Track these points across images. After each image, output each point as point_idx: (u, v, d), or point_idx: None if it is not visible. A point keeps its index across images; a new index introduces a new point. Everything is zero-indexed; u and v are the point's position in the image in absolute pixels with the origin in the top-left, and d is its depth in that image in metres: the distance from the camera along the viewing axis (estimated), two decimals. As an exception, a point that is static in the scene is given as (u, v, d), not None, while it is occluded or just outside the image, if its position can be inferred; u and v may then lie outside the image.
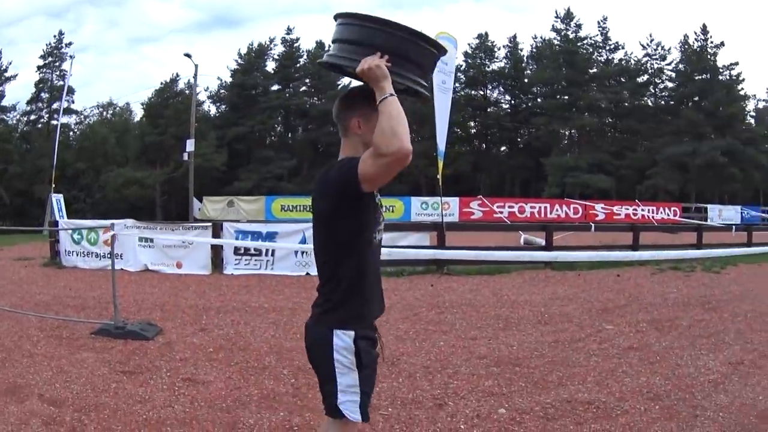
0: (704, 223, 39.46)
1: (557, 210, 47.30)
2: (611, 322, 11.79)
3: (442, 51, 3.74)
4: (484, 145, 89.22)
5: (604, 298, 14.62)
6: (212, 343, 9.66)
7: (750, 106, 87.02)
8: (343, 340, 3.58)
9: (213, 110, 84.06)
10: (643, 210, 46.52)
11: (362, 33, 3.51)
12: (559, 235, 26.39)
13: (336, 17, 3.71)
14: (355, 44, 3.52)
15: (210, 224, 19.95)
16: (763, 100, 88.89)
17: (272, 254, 18.30)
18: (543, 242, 22.29)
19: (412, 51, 3.54)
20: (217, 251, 18.57)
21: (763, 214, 53.56)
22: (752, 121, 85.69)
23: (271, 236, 18.76)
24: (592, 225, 27.81)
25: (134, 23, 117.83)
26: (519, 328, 11.14)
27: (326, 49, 4.38)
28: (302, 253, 17.73)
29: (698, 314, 12.56)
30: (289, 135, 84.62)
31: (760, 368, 8.46)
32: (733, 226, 31.43)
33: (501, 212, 44.89)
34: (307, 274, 17.25)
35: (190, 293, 14.67)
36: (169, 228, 19.82)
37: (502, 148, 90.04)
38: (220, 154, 70.45)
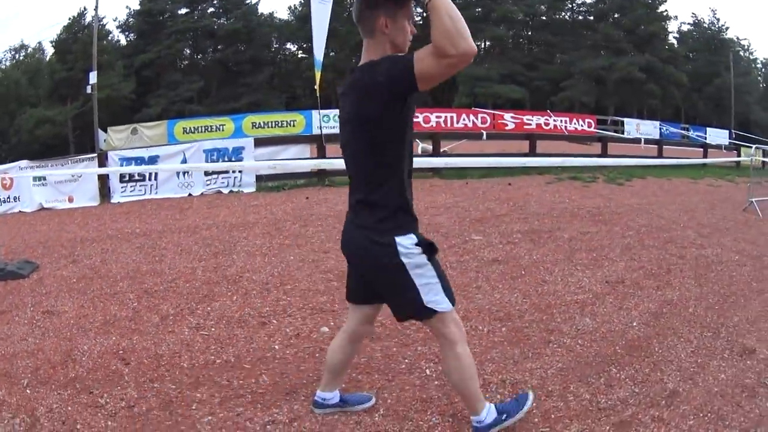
0: (608, 133, 38.84)
1: (464, 119, 45.30)
2: (482, 232, 11.14)
3: None
4: None
5: (484, 207, 13.86)
6: (78, 273, 9.33)
7: (673, 27, 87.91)
8: (406, 244, 3.55)
9: (123, 40, 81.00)
10: (555, 120, 45.08)
11: None
12: (452, 144, 26.16)
13: None
14: None
15: (95, 155, 19.10)
16: (687, 23, 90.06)
17: (155, 178, 17.94)
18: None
19: None
20: (104, 181, 18.16)
21: (683, 131, 52.89)
22: (675, 42, 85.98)
23: (153, 160, 18.35)
24: (484, 133, 26.33)
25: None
26: None
27: None
28: (184, 173, 17.78)
29: (585, 226, 11.98)
30: (199, 57, 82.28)
31: (642, 289, 7.95)
32: (642, 138, 30.75)
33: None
34: (189, 195, 17.35)
35: (74, 226, 14.15)
36: (58, 163, 18.87)
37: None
38: (129, 83, 68.90)
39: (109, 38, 76.87)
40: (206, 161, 17.73)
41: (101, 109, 45.77)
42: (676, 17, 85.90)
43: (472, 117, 45.27)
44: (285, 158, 18.33)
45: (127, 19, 78.99)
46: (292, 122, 41.22)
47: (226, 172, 17.53)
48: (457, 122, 44.56)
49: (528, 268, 8.71)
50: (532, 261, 9.17)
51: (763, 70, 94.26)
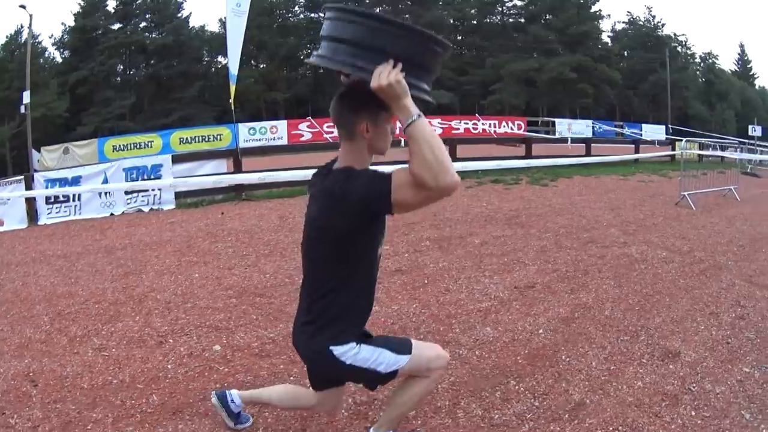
0: (533, 134, 38.81)
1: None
2: (389, 242, 10.61)
3: (448, 49, 3.20)
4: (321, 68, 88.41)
5: (397, 215, 13.15)
6: (1, 297, 9.11)
7: (607, 26, 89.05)
8: (343, 351, 3.46)
9: (58, 57, 79.78)
10: (484, 124, 45.06)
11: (366, 33, 2.96)
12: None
13: (327, 9, 3.21)
14: (358, 47, 2.98)
15: (22, 177, 18.55)
16: (623, 21, 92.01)
17: (79, 198, 17.47)
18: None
19: (424, 55, 3.07)
20: (30, 203, 17.47)
21: (617, 129, 53.18)
22: (608, 40, 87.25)
23: (75, 180, 17.80)
24: (402, 140, 25.86)
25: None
26: (285, 253, 10.49)
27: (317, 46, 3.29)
28: (105, 194, 17.33)
29: (499, 230, 11.89)
30: (131, 72, 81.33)
31: (554, 293, 7.80)
32: (569, 138, 30.65)
33: (331, 132, 41.57)
34: (111, 214, 17.00)
35: (3, 250, 13.66)
36: None
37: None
38: (63, 101, 67.67)
39: (46, 55, 76.30)
40: (126, 179, 17.56)
41: (37, 129, 45.53)
42: (608, 16, 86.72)
43: (398, 124, 44.80)
44: (202, 174, 18.13)
45: (62, 36, 78.25)
46: (218, 136, 40.66)
47: (146, 190, 17.35)
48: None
49: (432, 277, 8.51)
50: (438, 269, 8.97)
51: (702, 64, 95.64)
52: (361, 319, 3.57)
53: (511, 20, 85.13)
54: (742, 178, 21.78)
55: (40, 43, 73.17)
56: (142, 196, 17.27)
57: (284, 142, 41.50)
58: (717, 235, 12.10)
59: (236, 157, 18.63)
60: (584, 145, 27.95)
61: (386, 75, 2.84)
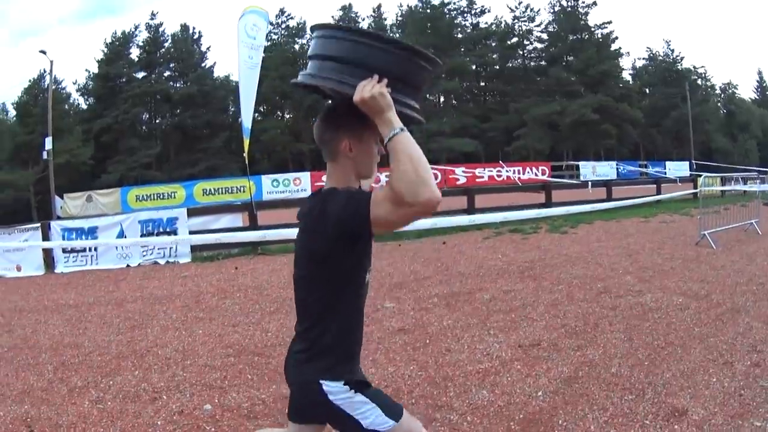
0: (555, 179, 38.55)
1: None
2: (397, 299, 10.74)
3: (437, 66, 3.10)
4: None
5: (408, 270, 13.62)
6: (9, 343, 9.47)
7: (627, 63, 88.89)
8: (332, 388, 3.24)
9: (83, 103, 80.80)
10: (508, 171, 45.15)
11: (351, 49, 2.92)
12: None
13: (314, 28, 3.15)
14: (343, 62, 2.94)
15: (39, 224, 18.90)
16: (642, 58, 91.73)
17: (95, 249, 17.79)
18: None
19: (410, 70, 2.99)
20: (47, 251, 18.05)
21: (641, 169, 52.84)
22: (629, 78, 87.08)
23: (92, 231, 18.24)
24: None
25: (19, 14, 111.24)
26: (290, 311, 9.84)
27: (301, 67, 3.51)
28: (121, 246, 17.63)
29: (510, 284, 11.61)
30: (157, 122, 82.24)
31: (559, 350, 7.51)
32: (589, 182, 30.33)
33: None
34: (128, 266, 17.21)
35: (18, 296, 14.13)
36: (6, 232, 18.85)
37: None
38: (87, 148, 68.20)
39: (70, 101, 77.07)
40: (141, 232, 17.77)
41: (61, 175, 46.08)
42: (628, 53, 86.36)
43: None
44: (218, 227, 18.30)
45: (86, 83, 78.95)
46: (242, 188, 40.99)
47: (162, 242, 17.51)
48: None
49: (435, 336, 8.30)
50: (442, 328, 8.73)
51: (722, 95, 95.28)
52: (351, 352, 3.42)
53: (532, 63, 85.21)
54: (764, 209, 21.53)
55: (63, 88, 74.45)
56: (159, 249, 17.41)
57: (308, 193, 40.60)
58: (737, 275, 11.69)
59: (251, 211, 18.52)
60: (605, 188, 27.69)
61: (369, 88, 2.78)
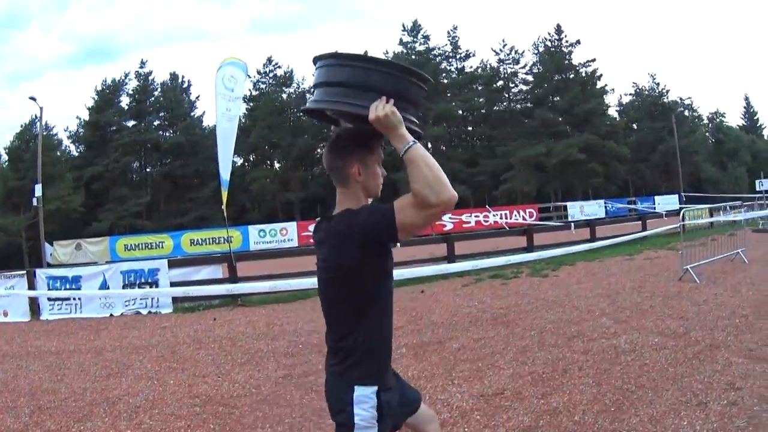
0: (538, 223, 38.81)
1: None
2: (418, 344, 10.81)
3: (429, 83, 3.53)
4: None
5: (437, 315, 13.60)
6: None
7: (613, 99, 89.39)
8: (364, 396, 3.39)
9: (74, 150, 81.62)
10: (495, 215, 45.48)
11: (356, 74, 3.24)
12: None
13: (317, 59, 3.43)
14: (351, 87, 3.23)
15: (24, 272, 19.28)
16: (629, 93, 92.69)
17: (79, 298, 18.04)
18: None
19: (409, 89, 3.34)
20: (33, 298, 18.37)
21: (630, 206, 52.91)
22: (616, 114, 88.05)
23: (76, 280, 18.45)
24: (398, 244, 25.68)
25: (15, 58, 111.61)
26: (261, 362, 10.46)
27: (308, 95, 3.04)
28: (105, 296, 17.90)
29: (481, 332, 11.47)
30: (147, 170, 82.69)
31: (522, 399, 7.33)
32: (572, 224, 30.25)
33: None
34: (111, 315, 17.39)
35: (2, 341, 14.63)
36: None
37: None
38: (78, 196, 68.42)
39: (62, 148, 77.75)
40: (123, 282, 17.97)
41: (52, 222, 46.65)
42: (613, 90, 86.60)
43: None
44: (199, 279, 18.40)
45: (77, 130, 79.56)
46: (229, 238, 40.28)
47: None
48: None
49: None
50: (406, 378, 8.27)
51: (710, 125, 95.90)
52: (383, 358, 3.58)
53: (518, 106, 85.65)
54: (752, 237, 21.51)
55: (55, 135, 75.22)
56: (141, 299, 17.50)
57: (294, 243, 42.19)
58: (719, 308, 11.59)
59: (230, 263, 18.59)
60: (588, 228, 27.64)
61: (381, 108, 3.09)
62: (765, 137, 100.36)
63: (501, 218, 45.40)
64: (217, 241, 40.60)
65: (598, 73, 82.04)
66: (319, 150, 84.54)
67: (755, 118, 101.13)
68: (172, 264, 18.84)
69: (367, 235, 3.24)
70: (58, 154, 72.99)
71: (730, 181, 79.51)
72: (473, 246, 23.50)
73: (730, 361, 8.01)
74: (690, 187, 67.07)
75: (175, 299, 17.59)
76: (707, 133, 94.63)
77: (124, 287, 17.81)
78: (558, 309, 12.92)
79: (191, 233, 41.63)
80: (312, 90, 3.52)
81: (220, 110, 17.83)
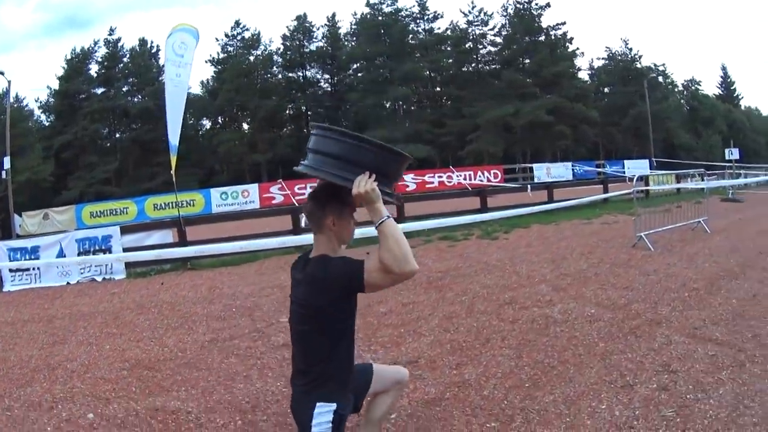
0: (492, 184, 38.56)
1: None
2: (287, 312, 10.15)
3: (408, 160, 4.08)
4: (305, 127, 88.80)
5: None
6: None
7: (584, 63, 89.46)
8: (324, 411, 3.88)
9: (45, 120, 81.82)
10: (458, 176, 44.81)
11: (347, 149, 3.71)
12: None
13: (314, 126, 3.95)
14: (341, 160, 3.72)
15: None
16: (602, 58, 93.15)
17: (38, 268, 17.81)
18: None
19: (389, 166, 3.83)
20: None
21: (599, 169, 52.56)
22: (587, 78, 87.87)
23: (34, 250, 18.25)
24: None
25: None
26: (193, 326, 10.40)
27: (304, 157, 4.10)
28: (62, 265, 17.74)
29: (412, 296, 11.22)
30: (117, 137, 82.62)
31: (435, 369, 7.23)
32: (529, 186, 29.72)
33: (303, 194, 41.53)
34: (68, 283, 17.26)
35: None
36: None
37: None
38: (48, 166, 69.11)
39: (35, 119, 78.34)
40: (78, 249, 17.87)
41: (23, 193, 46.28)
42: (582, 53, 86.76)
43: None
44: (150, 244, 18.38)
45: (48, 100, 79.57)
46: (191, 201, 41.50)
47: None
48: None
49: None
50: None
51: (685, 92, 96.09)
52: (345, 382, 4.05)
53: (487, 68, 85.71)
54: (720, 206, 21.47)
55: (26, 106, 75.52)
56: (95, 266, 17.42)
57: (256, 205, 41.79)
58: (668, 280, 11.16)
59: (179, 227, 18.60)
60: (546, 190, 27.18)
61: (364, 184, 3.57)
62: (742, 107, 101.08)
63: (465, 179, 44.79)
64: (180, 204, 39.80)
65: (568, 36, 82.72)
66: (288, 112, 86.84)
67: (732, 88, 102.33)
68: (125, 230, 18.78)
69: (339, 284, 3.76)
70: (30, 125, 73.30)
71: (704, 148, 80.00)
72: (432, 207, 23.09)
73: (669, 340, 7.63)
74: (663, 153, 67.25)
75: (128, 265, 17.48)
76: (682, 101, 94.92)
77: (79, 255, 17.66)
78: (497, 273, 12.69)
79: (154, 198, 41.27)
80: (306, 153, 3.96)
81: (169, 76, 17.66)
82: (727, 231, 17.70)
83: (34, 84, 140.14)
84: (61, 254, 17.90)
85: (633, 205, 19.91)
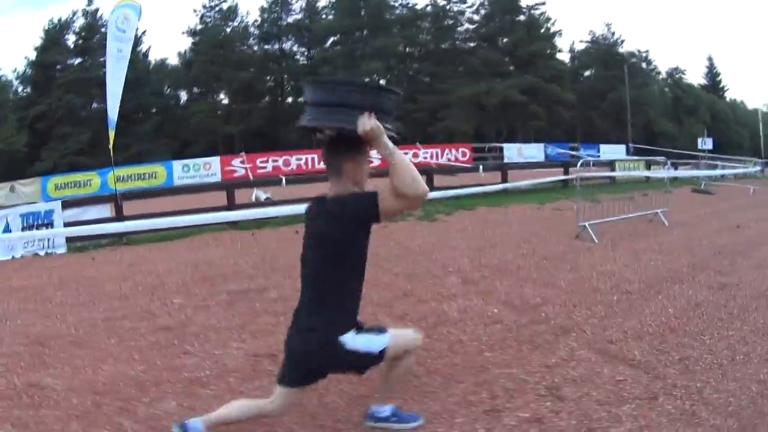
0: (438, 164, 38.23)
1: None
2: (191, 294, 10.28)
3: (398, 95, 4.59)
4: (280, 99, 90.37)
5: (232, 263, 13.02)
6: None
7: (565, 45, 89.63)
8: (348, 339, 4.35)
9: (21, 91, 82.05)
10: (426, 153, 44.12)
11: (344, 95, 4.14)
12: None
13: (308, 83, 4.48)
14: (341, 106, 4.10)
15: None
16: (585, 41, 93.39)
17: None
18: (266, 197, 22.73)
19: (384, 104, 4.22)
20: None
21: (572, 152, 52.14)
22: (568, 59, 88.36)
23: None
24: (282, 178, 25.15)
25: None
26: (96, 303, 10.14)
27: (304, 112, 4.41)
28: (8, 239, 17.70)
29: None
30: (93, 107, 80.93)
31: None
32: (481, 166, 29.15)
33: (265, 167, 42.74)
34: (12, 257, 17.09)
35: None
36: None
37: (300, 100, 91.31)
38: (21, 136, 69.97)
39: (13, 90, 78.85)
40: (22, 224, 17.94)
41: None
42: (560, 33, 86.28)
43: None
44: (89, 218, 18.53)
45: (25, 71, 79.67)
46: (153, 174, 41.33)
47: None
48: (318, 163, 42.61)
49: (187, 338, 7.70)
50: (203, 328, 8.11)
51: (669, 80, 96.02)
52: (355, 312, 4.49)
53: (464, 45, 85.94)
54: (689, 197, 21.62)
55: (3, 77, 76.25)
56: (38, 240, 17.41)
57: (218, 178, 41.46)
58: (601, 279, 10.10)
59: (116, 201, 18.79)
60: (500, 172, 26.69)
61: (368, 122, 3.94)
62: (727, 99, 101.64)
63: (431, 157, 44.29)
64: (142, 177, 40.18)
65: (547, 16, 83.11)
66: (265, 84, 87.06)
67: (717, 79, 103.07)
68: (66, 205, 18.86)
69: (356, 217, 4.21)
70: (10, 96, 74.83)
71: (686, 137, 79.93)
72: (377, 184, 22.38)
73: (573, 354, 6.59)
74: (644, 140, 67.04)
75: (69, 240, 17.53)
76: (666, 89, 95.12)
77: (23, 230, 17.69)
78: (413, 260, 12.10)
79: (117, 170, 40.78)
80: (305, 108, 4.34)
81: (111, 51, 17.73)
82: (688, 225, 16.93)
83: (14, 56, 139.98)
84: (7, 229, 17.77)
85: (598, 190, 19.99)
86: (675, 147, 56.88)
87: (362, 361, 4.46)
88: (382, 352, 4.45)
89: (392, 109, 4.34)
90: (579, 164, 18.90)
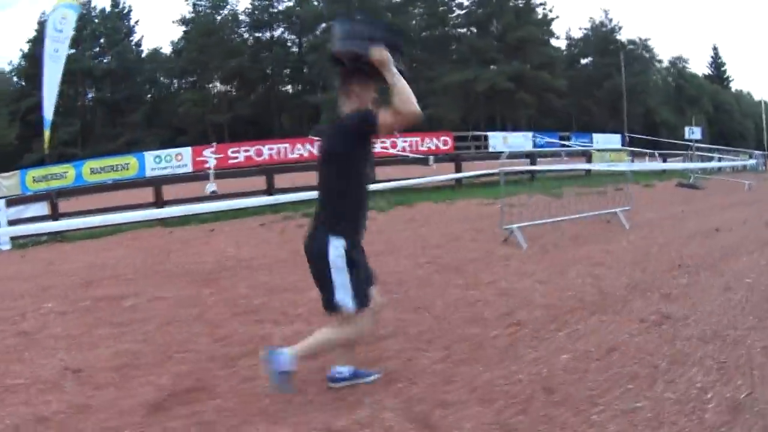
0: (393, 153, 37.54)
1: (299, 149, 42.96)
2: (67, 299, 9.57)
3: (402, 33, 6.22)
4: (272, 87, 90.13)
5: (139, 262, 12.65)
6: None
7: (561, 32, 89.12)
8: (336, 246, 4.82)
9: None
10: (405, 141, 43.03)
11: (365, 30, 5.01)
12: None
13: (337, 22, 5.18)
14: (361, 38, 4.90)
15: None
16: (584, 28, 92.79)
17: None
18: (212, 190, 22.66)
19: (392, 38, 5.09)
20: None
21: (562, 141, 51.56)
22: (563, 47, 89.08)
23: None
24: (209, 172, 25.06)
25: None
26: (10, 302, 9.67)
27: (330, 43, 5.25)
28: None
29: (176, 290, 9.70)
30: (83, 99, 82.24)
31: (84, 384, 5.82)
32: (431, 157, 27.72)
33: (236, 157, 42.39)
34: None
35: None
36: None
37: (288, 88, 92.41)
38: (12, 129, 70.94)
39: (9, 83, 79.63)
40: None
41: None
42: (552, 19, 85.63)
43: (308, 146, 41.85)
44: (28, 216, 18.63)
45: (19, 64, 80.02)
46: (125, 165, 41.32)
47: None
48: (292, 152, 42.86)
49: (30, 346, 7.12)
50: (49, 336, 7.46)
51: (672, 69, 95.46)
52: (356, 224, 5.02)
53: (454, 31, 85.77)
54: (671, 191, 21.19)
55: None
56: None
57: (189, 169, 41.34)
58: (495, 302, 7.92)
59: (51, 200, 19.01)
60: (453, 163, 25.14)
61: (379, 52, 4.69)
62: (732, 90, 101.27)
63: (410, 146, 43.40)
64: (115, 168, 40.23)
65: (540, 2, 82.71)
66: (258, 73, 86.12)
67: (722, 69, 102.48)
68: (11, 202, 19.04)
69: (356, 128, 4.87)
70: (11, 89, 76.08)
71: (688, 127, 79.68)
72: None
73: (374, 417, 4.76)
74: (644, 129, 66.60)
75: (14, 236, 17.53)
76: (669, 78, 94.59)
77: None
78: (289, 270, 10.27)
79: (91, 162, 40.85)
80: (333, 42, 5.00)
81: (48, 51, 17.87)
82: (653, 227, 14.43)
83: (10, 48, 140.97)
84: (-42, 225, 17.88)
85: (572, 183, 19.23)
86: (676, 137, 56.21)
87: (325, 289, 4.91)
88: (337, 307, 4.84)
89: (400, 47, 5.10)
90: (503, 156, 15.68)
